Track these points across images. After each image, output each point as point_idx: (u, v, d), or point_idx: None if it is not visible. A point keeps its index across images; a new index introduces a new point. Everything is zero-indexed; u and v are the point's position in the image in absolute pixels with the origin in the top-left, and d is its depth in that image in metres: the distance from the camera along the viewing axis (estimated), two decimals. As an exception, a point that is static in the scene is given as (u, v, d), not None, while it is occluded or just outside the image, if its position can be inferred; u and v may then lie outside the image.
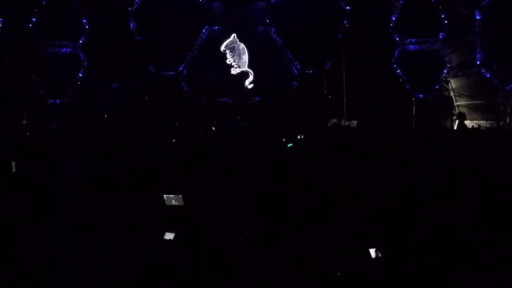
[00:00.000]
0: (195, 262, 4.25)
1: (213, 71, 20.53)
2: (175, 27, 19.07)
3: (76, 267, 4.02)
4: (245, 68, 20.72)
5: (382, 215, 5.18)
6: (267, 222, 5.04)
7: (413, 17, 18.34)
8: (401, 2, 18.68)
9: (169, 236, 4.56)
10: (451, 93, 19.71)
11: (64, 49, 18.42)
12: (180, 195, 5.17)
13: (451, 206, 5.32)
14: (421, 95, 19.08)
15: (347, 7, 19.38)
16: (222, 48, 20.46)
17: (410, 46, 19.16)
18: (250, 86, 20.79)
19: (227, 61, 20.56)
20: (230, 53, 20.54)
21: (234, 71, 20.64)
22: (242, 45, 20.59)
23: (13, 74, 16.70)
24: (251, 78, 20.73)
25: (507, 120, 16.82)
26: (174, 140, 11.60)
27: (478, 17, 16.53)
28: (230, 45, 20.54)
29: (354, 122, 19.68)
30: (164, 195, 5.18)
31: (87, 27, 18.54)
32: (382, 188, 6.08)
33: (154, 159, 8.69)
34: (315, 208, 5.46)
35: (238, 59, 20.61)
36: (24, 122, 16.98)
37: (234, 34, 20.47)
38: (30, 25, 17.33)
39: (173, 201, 5.19)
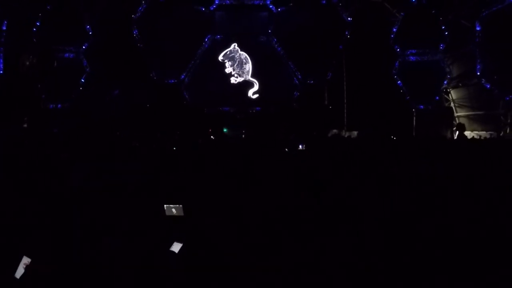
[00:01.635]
0: (195, 269, 4.23)
1: (215, 80, 20.60)
2: (178, 35, 19.23)
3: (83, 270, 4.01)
4: (248, 78, 20.75)
5: (383, 225, 5.16)
6: (269, 230, 5.01)
7: (414, 28, 18.49)
8: (402, 14, 18.84)
9: (176, 247, 4.45)
10: (452, 104, 19.79)
11: (66, 54, 18.50)
12: (180, 205, 5.09)
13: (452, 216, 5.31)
14: (421, 106, 19.18)
15: (349, 18, 19.51)
16: (220, 57, 20.50)
17: (411, 57, 19.30)
18: (254, 97, 20.80)
19: (226, 70, 20.60)
20: (230, 62, 20.59)
21: (234, 81, 20.68)
22: (244, 55, 20.66)
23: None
24: (255, 88, 20.75)
25: (508, 131, 16.86)
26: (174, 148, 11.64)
27: (478, 28, 16.65)
28: (229, 54, 20.58)
29: (355, 133, 19.71)
30: (165, 205, 5.09)
31: (90, 33, 18.67)
32: (382, 198, 6.08)
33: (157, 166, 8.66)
34: (317, 216, 5.44)
35: (238, 69, 20.66)
36: (25, 125, 16.95)
37: (234, 44, 20.55)
38: (34, 29, 17.42)
39: (173, 211, 5.11)
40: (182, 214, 5.07)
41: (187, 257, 4.34)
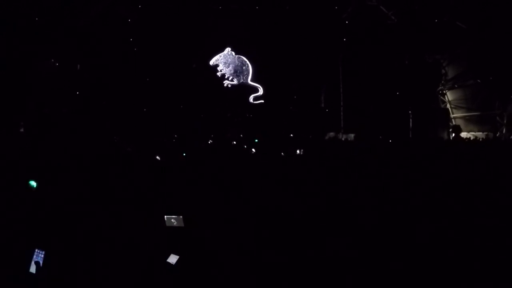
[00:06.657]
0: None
1: (212, 84, 20.56)
2: (174, 39, 19.19)
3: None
4: (248, 82, 20.80)
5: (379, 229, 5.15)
6: (268, 236, 4.98)
7: (410, 31, 18.53)
8: (397, 16, 18.89)
9: (172, 259, 4.40)
10: (448, 105, 19.84)
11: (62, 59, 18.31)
12: (181, 216, 5.02)
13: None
14: (418, 108, 19.20)
15: (346, 22, 19.54)
16: (212, 62, 20.47)
17: (407, 59, 19.32)
18: (256, 102, 20.88)
19: (218, 74, 20.61)
20: (222, 66, 20.58)
21: (228, 84, 20.68)
22: (242, 59, 20.69)
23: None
24: (260, 92, 20.84)
25: (504, 131, 16.93)
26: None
27: (473, 30, 16.70)
28: (221, 59, 20.57)
29: (352, 135, 19.74)
30: (165, 216, 5.02)
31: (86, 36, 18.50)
32: (379, 201, 6.07)
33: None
34: (315, 220, 5.43)
35: (233, 72, 20.65)
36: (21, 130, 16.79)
37: (228, 48, 20.55)
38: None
39: (174, 222, 5.03)
40: (182, 225, 5.00)
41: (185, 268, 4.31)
